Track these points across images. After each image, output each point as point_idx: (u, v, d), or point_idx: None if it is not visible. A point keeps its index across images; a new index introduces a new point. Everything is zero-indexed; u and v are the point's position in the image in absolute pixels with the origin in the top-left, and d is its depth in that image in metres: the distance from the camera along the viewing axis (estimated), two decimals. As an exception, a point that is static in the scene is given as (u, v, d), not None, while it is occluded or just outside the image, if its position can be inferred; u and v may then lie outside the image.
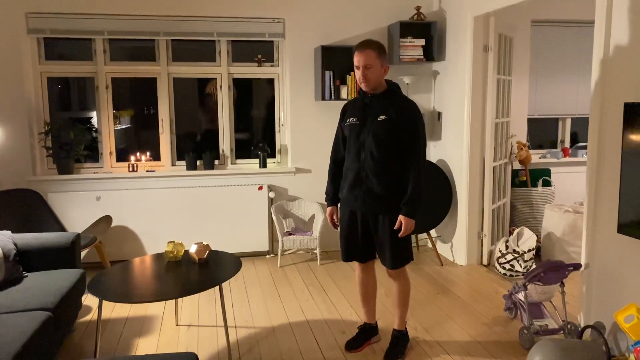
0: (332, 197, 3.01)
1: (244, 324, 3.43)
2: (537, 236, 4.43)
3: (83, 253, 4.12)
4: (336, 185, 3.00)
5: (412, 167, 2.72)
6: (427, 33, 4.76)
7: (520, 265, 4.18)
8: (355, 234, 2.90)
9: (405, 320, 3.03)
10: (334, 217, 3.01)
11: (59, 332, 2.77)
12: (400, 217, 2.71)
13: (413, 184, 2.71)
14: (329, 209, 3.02)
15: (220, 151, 5.00)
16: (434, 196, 4.67)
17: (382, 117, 2.72)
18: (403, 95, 2.83)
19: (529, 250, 4.19)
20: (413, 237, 5.14)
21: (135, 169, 4.72)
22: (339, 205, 3.01)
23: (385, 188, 2.75)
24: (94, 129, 4.78)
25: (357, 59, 2.71)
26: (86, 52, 4.64)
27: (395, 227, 2.73)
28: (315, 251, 4.75)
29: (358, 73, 2.73)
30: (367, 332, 3.13)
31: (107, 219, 4.46)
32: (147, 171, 4.72)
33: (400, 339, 3.01)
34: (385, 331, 3.24)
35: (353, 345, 3.05)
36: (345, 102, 3.09)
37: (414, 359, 2.93)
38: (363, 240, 2.90)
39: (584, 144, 5.67)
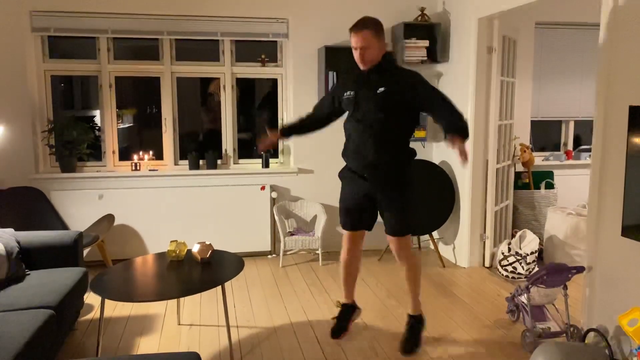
0: (286, 127, 3.10)
1: (245, 324, 3.43)
2: (539, 239, 4.42)
3: (85, 251, 4.11)
4: (297, 123, 3.11)
5: (445, 106, 2.67)
6: (431, 34, 4.75)
7: (522, 267, 4.18)
8: (357, 200, 2.91)
9: (420, 302, 3.04)
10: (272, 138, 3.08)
11: (61, 330, 2.77)
12: (455, 139, 2.60)
13: (455, 111, 2.66)
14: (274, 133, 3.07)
15: (223, 151, 5.00)
16: (436, 198, 4.67)
17: (381, 89, 2.71)
18: (398, 65, 2.84)
19: (532, 253, 4.19)
20: (415, 238, 5.14)
21: (138, 168, 4.71)
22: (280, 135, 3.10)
23: (387, 156, 2.76)
24: (97, 128, 4.78)
25: (354, 40, 2.69)
26: (90, 51, 4.64)
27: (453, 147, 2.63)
28: (317, 252, 4.75)
29: (356, 53, 2.72)
30: (347, 314, 3.14)
31: (109, 218, 4.46)
32: (149, 170, 4.73)
33: (415, 327, 3.00)
34: (386, 331, 3.24)
35: (338, 332, 3.06)
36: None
37: (415, 361, 2.93)
38: (365, 207, 2.91)
39: (587, 146, 5.65)
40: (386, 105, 2.71)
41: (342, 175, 3.01)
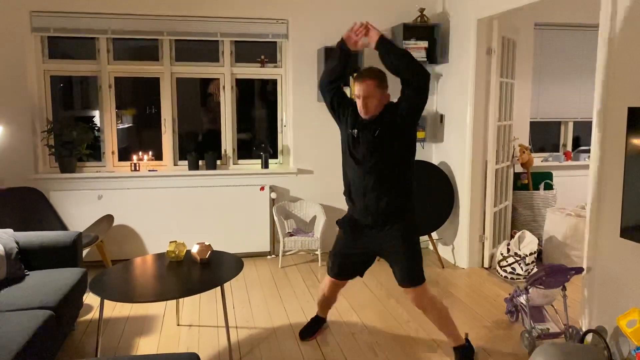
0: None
1: (244, 325, 3.43)
2: (538, 240, 4.43)
3: (85, 252, 4.11)
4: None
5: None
6: (431, 35, 4.75)
7: (521, 268, 4.18)
8: (353, 249, 2.93)
9: (458, 333, 2.92)
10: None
11: (61, 330, 2.77)
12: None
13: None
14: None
15: (223, 151, 5.00)
16: (435, 198, 4.67)
17: (378, 130, 2.73)
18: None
19: (531, 254, 4.19)
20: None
21: (137, 169, 4.72)
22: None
23: (390, 200, 2.75)
24: (96, 128, 4.78)
25: (357, 89, 2.71)
26: (90, 51, 4.64)
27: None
28: (316, 252, 4.75)
29: (359, 102, 2.73)
30: (318, 324, 3.31)
31: (108, 218, 4.46)
32: (149, 170, 4.73)
33: (463, 353, 2.91)
34: (385, 331, 3.23)
35: (307, 333, 3.23)
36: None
37: (415, 362, 2.93)
38: (360, 256, 2.94)
39: (586, 147, 5.66)
40: (384, 143, 2.72)
41: (341, 225, 2.99)
